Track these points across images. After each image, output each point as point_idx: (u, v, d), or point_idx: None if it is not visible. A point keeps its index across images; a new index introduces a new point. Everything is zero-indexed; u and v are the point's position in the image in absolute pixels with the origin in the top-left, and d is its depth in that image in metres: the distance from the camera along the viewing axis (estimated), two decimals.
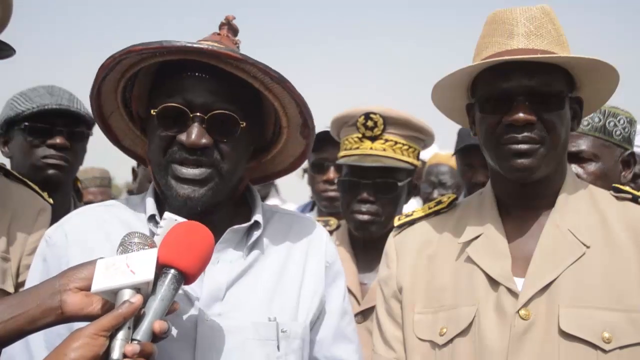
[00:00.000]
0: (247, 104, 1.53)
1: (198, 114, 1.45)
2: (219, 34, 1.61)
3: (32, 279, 1.55)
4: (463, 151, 3.36)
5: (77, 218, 1.61)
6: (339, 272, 1.69)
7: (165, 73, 1.52)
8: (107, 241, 1.39)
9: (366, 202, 2.46)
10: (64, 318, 1.29)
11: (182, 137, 1.46)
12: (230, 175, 1.52)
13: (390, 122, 2.49)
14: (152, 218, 1.53)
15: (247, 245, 1.57)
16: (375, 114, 2.50)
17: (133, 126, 1.64)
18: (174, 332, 1.44)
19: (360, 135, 2.52)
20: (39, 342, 1.46)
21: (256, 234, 1.58)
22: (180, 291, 1.44)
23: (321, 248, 1.67)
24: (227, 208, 1.60)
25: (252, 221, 1.58)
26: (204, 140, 1.45)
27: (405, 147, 2.52)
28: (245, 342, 1.48)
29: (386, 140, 2.49)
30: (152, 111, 1.50)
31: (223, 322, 1.48)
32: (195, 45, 1.44)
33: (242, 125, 1.49)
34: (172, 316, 1.43)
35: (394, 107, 2.57)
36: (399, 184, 2.48)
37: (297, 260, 1.62)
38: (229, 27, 1.63)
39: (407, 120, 2.51)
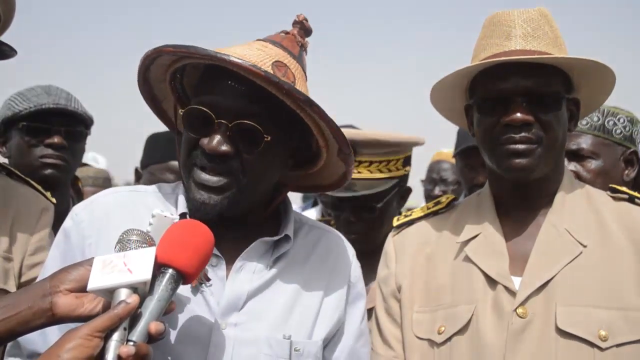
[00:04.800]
0: (281, 118, 1.47)
1: (223, 120, 1.42)
2: (286, 33, 1.57)
3: (52, 256, 1.55)
4: (463, 152, 3.36)
5: (106, 199, 1.58)
6: (360, 293, 1.65)
7: (207, 73, 1.49)
8: (133, 226, 1.36)
9: (349, 223, 2.41)
10: (55, 320, 1.29)
11: (205, 141, 1.43)
12: (252, 188, 1.48)
13: (359, 145, 2.37)
14: (183, 216, 1.51)
15: (273, 257, 1.54)
16: None
17: (178, 111, 1.59)
18: (189, 335, 1.43)
19: None
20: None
21: (285, 247, 1.55)
22: (199, 296, 1.44)
23: (346, 266, 1.64)
24: (257, 216, 1.57)
25: (281, 235, 1.55)
26: (223, 148, 1.42)
27: (384, 162, 2.43)
28: (257, 356, 1.45)
29: (360, 162, 2.39)
30: (180, 111, 1.49)
31: (238, 332, 1.45)
32: (219, 55, 1.39)
33: (266, 139, 1.43)
34: (189, 320, 1.43)
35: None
36: (378, 205, 2.41)
37: (320, 277, 1.59)
38: (301, 27, 1.58)
39: (375, 140, 2.40)
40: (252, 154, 1.44)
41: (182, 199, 1.54)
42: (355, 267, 1.67)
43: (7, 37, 2.00)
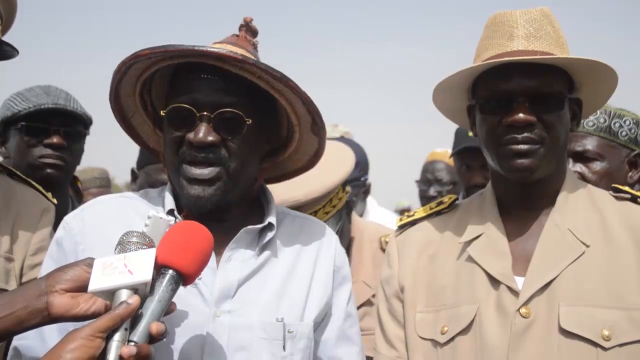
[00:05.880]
0: (256, 103, 1.56)
1: (205, 113, 1.50)
2: (237, 36, 1.65)
3: (46, 265, 1.58)
4: (461, 153, 3.36)
5: (97, 206, 1.64)
6: (346, 276, 1.73)
7: (178, 76, 1.56)
8: (124, 230, 1.39)
9: None
10: (51, 319, 1.30)
11: (191, 135, 1.50)
12: (239, 174, 1.55)
13: (301, 208, 2.29)
14: (170, 212, 1.57)
15: (260, 245, 1.60)
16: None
17: (155, 128, 1.68)
18: (185, 325, 1.47)
19: None
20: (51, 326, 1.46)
21: (269, 234, 1.61)
22: (192, 287, 1.48)
23: (330, 252, 1.71)
24: (240, 208, 1.63)
25: (265, 222, 1.61)
26: (210, 138, 1.50)
27: (327, 203, 2.38)
28: (252, 340, 1.51)
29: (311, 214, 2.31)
30: (161, 112, 1.55)
31: (232, 319, 1.51)
32: (197, 48, 1.47)
33: (248, 123, 1.52)
34: (184, 310, 1.47)
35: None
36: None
37: (306, 262, 1.66)
38: (247, 29, 1.67)
39: (313, 199, 2.34)
40: (237, 140, 1.52)
41: (168, 198, 1.61)
42: (339, 252, 1.73)
43: (7, 37, 2.00)
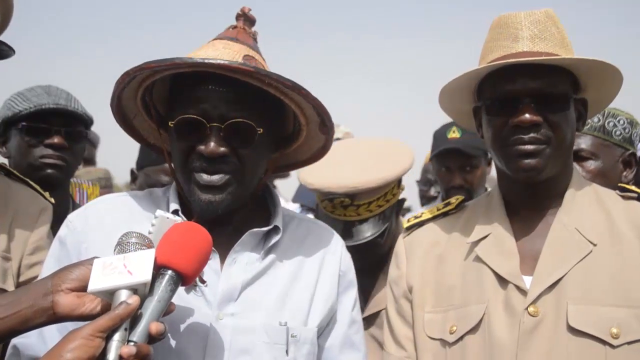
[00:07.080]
0: (265, 108, 1.54)
1: (215, 124, 1.48)
2: (235, 27, 1.63)
3: (49, 263, 1.57)
4: (440, 155, 3.38)
5: (100, 205, 1.63)
6: (351, 282, 1.71)
7: (183, 81, 1.53)
8: (127, 228, 1.39)
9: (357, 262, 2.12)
10: (56, 319, 1.30)
11: (201, 147, 1.49)
12: (250, 180, 1.56)
13: (355, 196, 2.33)
14: (175, 213, 1.56)
15: (265, 248, 1.59)
16: (335, 194, 2.34)
17: (155, 126, 1.66)
18: (187, 327, 1.47)
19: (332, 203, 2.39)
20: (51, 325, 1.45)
21: (275, 238, 1.60)
22: (196, 289, 1.49)
23: (336, 256, 1.69)
24: (246, 209, 1.62)
25: (271, 225, 1.60)
26: (222, 149, 1.48)
27: (382, 196, 2.38)
28: (255, 344, 1.50)
29: (358, 206, 2.35)
30: (169, 123, 1.52)
31: (235, 322, 1.50)
32: (207, 62, 1.45)
33: (259, 132, 1.50)
34: (187, 312, 1.47)
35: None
36: (383, 240, 2.39)
37: (311, 267, 1.64)
38: (245, 19, 1.65)
39: (370, 188, 2.34)
40: (247, 149, 1.51)
41: (173, 198, 1.60)
42: (345, 257, 1.72)
43: (5, 36, 1.99)
